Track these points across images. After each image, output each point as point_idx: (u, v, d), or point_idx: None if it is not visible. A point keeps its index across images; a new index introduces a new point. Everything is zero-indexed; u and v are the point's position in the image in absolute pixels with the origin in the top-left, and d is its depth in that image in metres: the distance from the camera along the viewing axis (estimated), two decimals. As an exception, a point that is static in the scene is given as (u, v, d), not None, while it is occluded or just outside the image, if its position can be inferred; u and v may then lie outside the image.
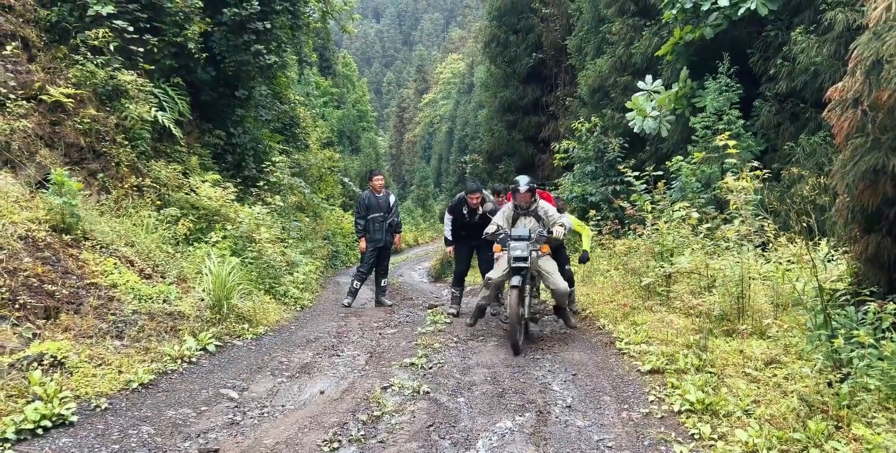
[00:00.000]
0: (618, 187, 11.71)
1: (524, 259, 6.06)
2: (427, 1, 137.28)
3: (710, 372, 4.70)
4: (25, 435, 3.56)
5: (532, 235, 6.30)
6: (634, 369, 5.23)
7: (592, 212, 10.55)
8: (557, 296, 6.54)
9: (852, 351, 4.00)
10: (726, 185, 6.91)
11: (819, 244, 6.11)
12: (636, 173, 9.63)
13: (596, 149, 12.65)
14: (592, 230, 10.07)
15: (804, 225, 6.14)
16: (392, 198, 9.57)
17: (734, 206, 6.63)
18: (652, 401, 4.46)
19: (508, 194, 9.36)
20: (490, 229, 6.57)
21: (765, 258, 6.70)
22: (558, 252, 7.40)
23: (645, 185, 9.38)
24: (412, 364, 5.55)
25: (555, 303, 6.88)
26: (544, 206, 6.66)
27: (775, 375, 4.44)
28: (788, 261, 6.25)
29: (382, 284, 9.52)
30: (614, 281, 8.16)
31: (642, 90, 11.61)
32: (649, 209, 8.31)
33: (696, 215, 7.44)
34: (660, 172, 9.64)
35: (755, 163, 7.52)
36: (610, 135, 13.01)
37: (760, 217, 6.80)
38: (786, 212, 7.66)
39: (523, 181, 6.53)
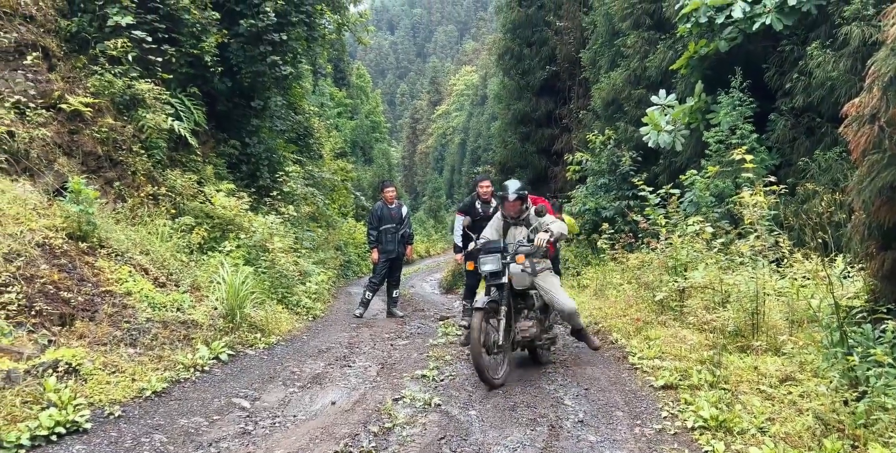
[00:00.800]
0: (631, 201, 11.68)
1: (497, 274, 5.49)
2: (441, 13, 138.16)
3: (724, 389, 4.66)
4: (40, 441, 3.59)
5: (510, 245, 5.69)
6: (647, 384, 5.19)
7: (606, 226, 10.52)
8: (564, 316, 5.88)
9: (869, 369, 3.95)
10: (741, 200, 6.88)
11: (835, 260, 6.06)
12: (650, 187, 9.61)
13: (609, 162, 12.63)
14: (605, 243, 10.05)
15: (819, 241, 6.09)
16: (404, 210, 9.60)
17: (749, 221, 6.60)
18: (665, 417, 4.42)
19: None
20: (472, 245, 5.97)
21: (780, 274, 6.65)
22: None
23: (658, 199, 9.34)
24: (423, 376, 5.54)
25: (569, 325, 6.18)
26: (538, 208, 5.99)
27: (790, 393, 4.39)
28: (804, 277, 6.19)
29: (394, 295, 9.53)
30: (627, 295, 8.12)
31: (656, 104, 11.60)
32: (663, 223, 8.28)
33: (710, 230, 7.41)
34: (674, 187, 9.61)
35: (770, 178, 7.48)
36: (623, 148, 13.00)
37: (775, 232, 6.76)
38: (801, 228, 7.60)
39: (512, 187, 5.82)
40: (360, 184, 27.89)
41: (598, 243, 10.31)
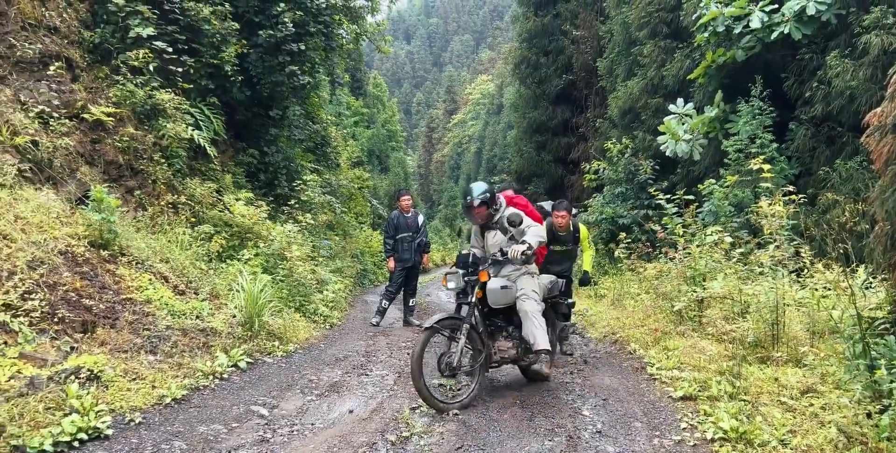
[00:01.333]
0: (648, 210, 11.64)
1: (462, 294, 5.18)
2: (457, 23, 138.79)
3: (744, 400, 4.62)
4: (62, 447, 3.63)
5: (479, 257, 5.30)
6: (666, 395, 5.16)
7: (623, 235, 10.48)
8: (523, 318, 5.24)
9: (892, 381, 3.90)
10: (760, 210, 6.83)
11: (856, 271, 5.99)
12: (667, 196, 9.57)
13: (626, 171, 12.61)
14: (623, 253, 9.99)
15: (841, 251, 6.03)
16: (420, 218, 9.62)
17: (768, 231, 6.55)
18: (684, 428, 4.38)
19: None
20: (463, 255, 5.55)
21: (800, 284, 6.58)
22: (566, 283, 6.68)
23: (676, 208, 9.31)
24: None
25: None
26: (508, 213, 5.30)
27: (812, 405, 4.34)
28: (825, 287, 6.13)
29: (410, 304, 9.55)
30: (645, 305, 8.08)
31: (674, 113, 11.57)
32: (681, 233, 8.23)
33: (729, 239, 7.36)
34: (691, 196, 9.56)
35: (790, 188, 7.43)
36: (641, 157, 12.96)
37: (795, 242, 6.70)
38: (822, 238, 7.53)
39: (476, 191, 5.28)
40: (376, 193, 28.00)
41: (616, 253, 10.26)
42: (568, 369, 6.30)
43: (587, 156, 18.58)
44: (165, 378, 4.94)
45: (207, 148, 9.17)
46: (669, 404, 4.96)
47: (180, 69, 9.08)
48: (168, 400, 4.64)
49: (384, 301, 9.34)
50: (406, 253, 9.28)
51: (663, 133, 11.53)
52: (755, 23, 9.46)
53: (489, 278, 5.10)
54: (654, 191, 10.20)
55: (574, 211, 7.33)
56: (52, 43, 8.01)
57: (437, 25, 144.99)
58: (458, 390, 5.22)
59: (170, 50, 8.82)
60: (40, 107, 7.21)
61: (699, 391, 4.98)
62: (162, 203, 8.06)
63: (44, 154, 6.88)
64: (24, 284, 4.88)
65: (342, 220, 16.70)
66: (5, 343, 4.41)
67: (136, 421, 4.18)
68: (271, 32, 10.97)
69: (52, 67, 7.68)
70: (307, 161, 15.37)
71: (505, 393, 5.40)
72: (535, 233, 5.13)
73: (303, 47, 11.52)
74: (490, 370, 5.50)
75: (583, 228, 7.27)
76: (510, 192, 8.07)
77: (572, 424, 4.57)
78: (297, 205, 12.26)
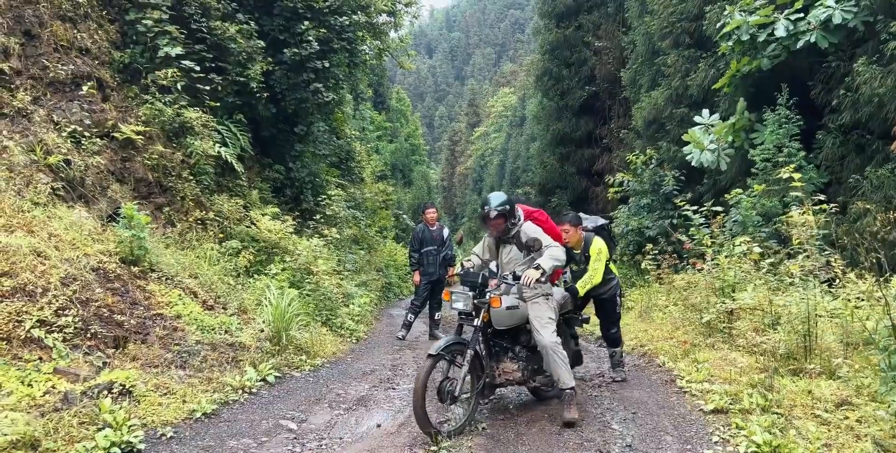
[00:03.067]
0: (675, 221, 11.53)
1: (468, 316, 4.77)
2: (479, 36, 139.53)
3: (777, 413, 4.54)
4: (96, 461, 3.68)
5: (489, 278, 4.90)
6: (697, 408, 5.08)
7: (649, 246, 10.39)
8: (544, 354, 4.87)
9: (931, 394, 3.81)
10: (789, 219, 6.75)
11: (890, 280, 5.87)
12: (694, 207, 9.49)
13: (652, 181, 12.53)
14: (650, 264, 9.89)
15: (873, 260, 5.92)
16: (445, 232, 9.64)
17: (798, 241, 6.45)
18: (716, 442, 4.31)
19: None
20: (457, 267, 5.21)
21: (832, 295, 6.47)
22: (605, 308, 6.34)
23: (703, 219, 9.22)
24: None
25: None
26: (529, 231, 4.96)
27: (847, 418, 4.25)
28: (857, 298, 6.01)
29: (436, 318, 9.54)
30: (673, 316, 7.99)
31: (699, 124, 11.49)
32: (709, 243, 8.15)
33: (758, 250, 7.26)
34: (718, 206, 9.47)
35: (820, 197, 7.32)
36: (666, 167, 12.87)
37: (827, 252, 6.59)
38: (854, 247, 7.40)
39: (494, 201, 4.91)
40: (400, 206, 28.11)
41: (643, 264, 10.17)
42: (596, 382, 6.24)
43: (611, 168, 18.49)
44: (196, 392, 4.99)
45: (234, 164, 9.31)
46: (700, 417, 4.88)
47: (208, 87, 9.25)
48: (198, 414, 4.69)
49: (410, 314, 9.35)
50: (431, 266, 9.29)
51: (688, 143, 11.45)
52: (780, 31, 9.38)
53: (501, 305, 4.71)
54: (680, 201, 10.12)
55: (595, 223, 6.41)
56: (84, 64, 8.21)
57: (459, 39, 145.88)
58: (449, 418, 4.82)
59: (197, 68, 8.99)
60: (72, 126, 7.39)
61: (730, 404, 4.90)
62: (190, 219, 8.19)
63: (76, 172, 7.03)
64: (57, 300, 4.98)
65: (367, 234, 16.79)
66: (40, 358, 4.50)
67: (168, 436, 4.23)
68: (296, 50, 11.15)
69: (83, 87, 7.87)
70: (332, 176, 15.52)
71: (533, 407, 5.36)
72: (551, 255, 4.68)
73: (327, 64, 11.68)
74: (495, 392, 5.20)
75: (595, 247, 6.10)
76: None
77: (601, 438, 4.52)
78: (322, 220, 12.37)
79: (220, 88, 9.57)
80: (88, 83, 7.97)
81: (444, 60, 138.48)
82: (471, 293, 4.71)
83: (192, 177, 8.54)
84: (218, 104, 9.53)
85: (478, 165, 62.52)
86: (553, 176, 22.30)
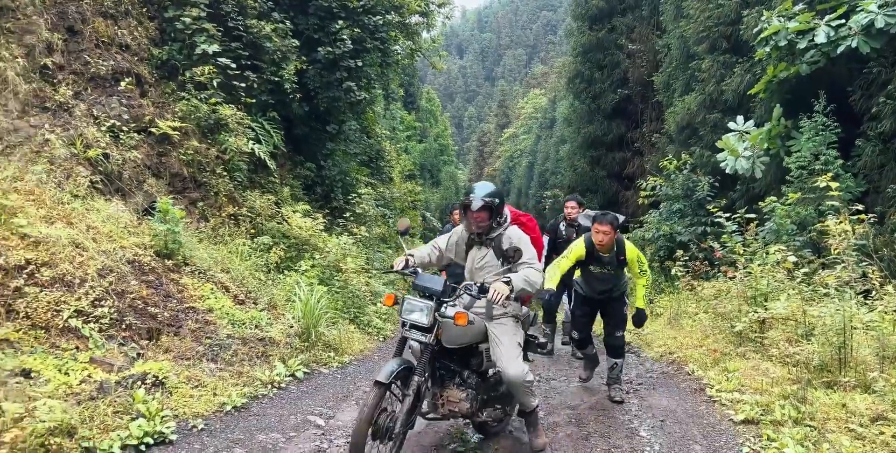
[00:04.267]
0: (707, 227, 11.39)
1: (425, 330, 3.78)
2: (510, 37, 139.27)
3: (810, 426, 4.46)
4: (130, 450, 3.76)
5: (450, 288, 3.90)
6: (726, 418, 5.01)
7: (680, 252, 10.28)
8: (511, 387, 4.12)
9: (973, 411, 3.71)
10: (826, 229, 6.62)
11: (930, 293, 5.74)
12: (727, 214, 9.37)
13: (684, 187, 12.38)
14: (680, 271, 9.78)
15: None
16: (474, 232, 9.62)
17: (835, 251, 6.33)
18: (746, 453, 4.26)
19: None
20: (399, 260, 4.13)
21: (868, 307, 6.33)
22: (611, 308, 5.85)
23: (736, 226, 9.09)
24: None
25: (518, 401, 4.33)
26: (513, 237, 4.10)
27: (882, 433, 4.17)
28: (895, 310, 5.89)
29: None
30: (703, 324, 7.89)
31: (733, 130, 11.34)
32: (741, 251, 8.03)
33: (792, 259, 7.14)
34: (751, 214, 9.33)
35: (857, 207, 7.18)
36: (699, 173, 12.72)
37: (864, 263, 6.46)
38: (891, 259, 7.24)
39: (481, 190, 4.06)
40: (427, 206, 28.16)
41: (673, 270, 10.06)
42: (624, 388, 6.18)
43: (643, 172, 18.33)
44: (226, 386, 5.06)
45: (267, 161, 9.41)
46: (730, 427, 4.82)
47: (243, 85, 9.37)
48: (229, 407, 4.75)
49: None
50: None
51: (722, 149, 11.30)
52: (820, 37, 9.21)
53: (468, 323, 3.78)
54: (713, 208, 9.99)
55: (620, 219, 5.66)
56: (124, 59, 8.37)
57: (490, 40, 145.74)
58: None
59: (233, 66, 9.10)
60: (112, 121, 7.53)
61: (762, 415, 4.83)
62: (223, 214, 8.29)
63: (114, 166, 7.17)
64: (94, 291, 5.08)
65: (395, 233, 16.85)
66: (76, 348, 4.59)
67: (199, 428, 4.29)
68: (329, 49, 11.23)
69: (122, 83, 8.02)
70: (362, 174, 15.61)
71: (559, 412, 5.34)
72: (527, 277, 3.86)
73: (360, 63, 11.75)
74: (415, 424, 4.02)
75: (631, 249, 5.62)
76: (573, 203, 8.06)
77: (629, 445, 4.49)
78: (351, 218, 12.45)
79: (254, 86, 9.68)
80: (127, 79, 8.12)
81: (475, 61, 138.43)
82: (431, 303, 3.74)
83: (225, 173, 8.65)
84: (252, 101, 9.64)
85: (506, 167, 62.40)
86: (583, 179, 22.16)
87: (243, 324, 6.17)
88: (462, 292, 3.89)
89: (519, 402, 4.30)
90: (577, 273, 5.98)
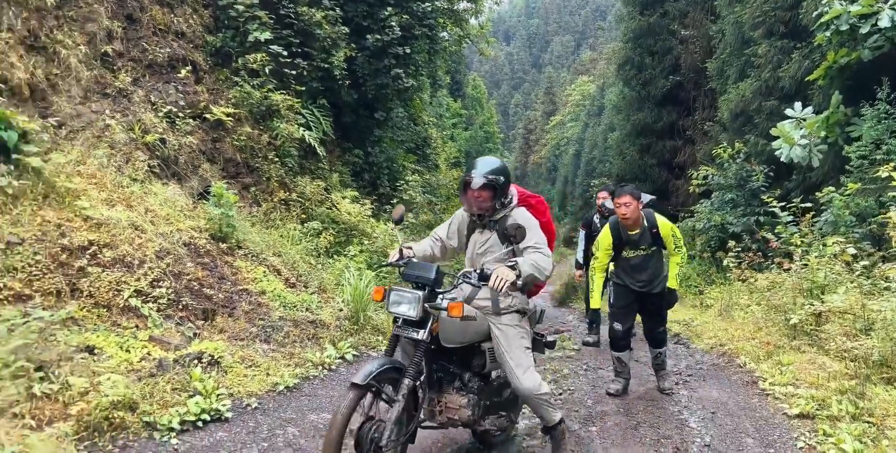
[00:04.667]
0: (761, 218, 11.10)
1: (416, 325, 3.29)
2: (558, 23, 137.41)
3: (869, 422, 4.33)
4: (188, 426, 3.89)
5: (446, 276, 3.49)
6: (780, 412, 4.91)
7: (732, 243, 10.06)
8: (527, 403, 3.75)
9: None
10: (888, 220, 6.40)
11: None
12: (782, 204, 9.12)
13: (738, 176, 12.08)
14: (732, 262, 9.57)
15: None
16: (520, 221, 9.58)
17: (898, 243, 6.11)
18: (801, 448, 4.17)
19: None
20: (394, 253, 3.66)
21: (932, 301, 6.10)
22: (651, 304, 5.47)
23: (791, 217, 8.84)
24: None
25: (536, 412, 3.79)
26: (519, 219, 3.58)
27: (946, 431, 4.03)
28: (961, 305, 5.66)
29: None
30: (755, 316, 7.72)
31: (790, 117, 10.99)
32: (798, 242, 7.82)
33: (851, 251, 6.91)
34: (808, 204, 9.06)
35: (923, 197, 6.91)
36: (753, 162, 12.39)
37: (930, 256, 6.22)
38: (958, 252, 6.95)
39: (483, 166, 3.60)
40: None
41: (724, 261, 9.86)
42: (673, 379, 6.10)
43: (694, 161, 17.95)
44: (278, 366, 5.17)
45: (317, 147, 9.53)
46: (784, 421, 4.72)
47: (294, 72, 9.48)
48: (281, 387, 4.86)
49: (482, 302, 9.37)
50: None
51: (777, 137, 10.97)
52: (884, 21, 8.83)
53: (463, 314, 3.27)
54: (768, 198, 9.74)
55: (646, 199, 5.38)
56: (180, 47, 8.55)
57: (538, 26, 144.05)
58: None
59: (285, 53, 9.21)
60: (168, 107, 7.72)
61: (817, 409, 4.71)
62: (275, 199, 8.44)
63: (171, 151, 7.36)
64: (153, 272, 5.24)
65: (441, 221, 16.91)
66: (136, 326, 4.75)
67: (253, 406, 4.41)
68: (378, 36, 11.27)
69: (179, 70, 8.20)
70: (409, 161, 15.68)
71: (608, 401, 5.30)
72: (534, 261, 3.34)
73: (408, 50, 11.77)
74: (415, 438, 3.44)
75: (664, 222, 5.28)
76: (605, 194, 7.92)
77: (679, 436, 4.44)
78: (398, 204, 12.53)
79: (305, 73, 9.79)
80: (184, 66, 8.30)
81: (522, 48, 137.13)
82: (420, 293, 3.24)
83: (277, 159, 8.80)
84: (303, 89, 9.75)
85: (552, 154, 61.86)
86: (632, 167, 21.81)
87: (294, 306, 6.29)
88: (460, 280, 3.40)
89: (539, 418, 3.81)
90: (611, 266, 5.65)
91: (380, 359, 3.22)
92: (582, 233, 8.22)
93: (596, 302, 5.59)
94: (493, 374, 3.87)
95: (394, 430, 3.03)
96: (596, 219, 7.91)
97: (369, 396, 3.10)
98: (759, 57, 13.21)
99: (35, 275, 4.42)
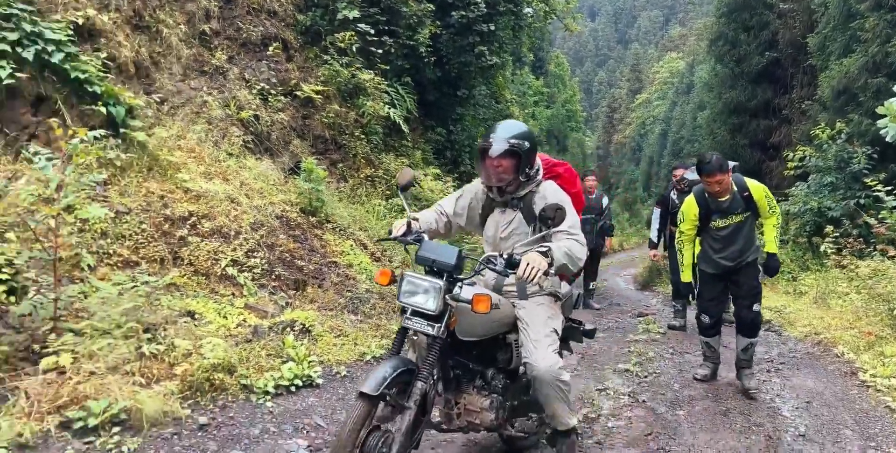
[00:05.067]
0: (862, 200, 10.48)
1: (432, 318, 2.74)
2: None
3: (981, 420, 4.07)
4: (282, 390, 4.07)
5: (462, 257, 2.85)
6: (882, 405, 4.67)
7: (830, 228, 9.55)
8: (538, 388, 3.05)
9: None
10: None
11: None
12: (888, 188, 8.58)
13: (838, 158, 11.41)
14: (829, 247, 9.11)
15: None
16: (605, 200, 9.38)
17: None
18: (905, 443, 3.96)
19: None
20: (399, 225, 3.05)
21: None
22: (743, 276, 4.93)
23: (898, 201, 8.32)
24: (626, 370, 5.44)
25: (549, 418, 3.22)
26: (550, 196, 3.13)
27: None
28: None
29: (591, 287, 9.39)
30: (855, 305, 7.33)
31: (900, 94, 10.27)
32: (906, 228, 7.36)
33: (967, 238, 6.45)
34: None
35: None
36: (855, 143, 11.67)
37: None
38: None
39: (505, 130, 3.11)
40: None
41: (821, 247, 9.39)
42: (764, 367, 5.88)
43: (789, 141, 17.08)
44: (365, 337, 5.31)
45: (401, 125, 9.61)
46: (886, 414, 4.49)
47: (380, 50, 9.55)
48: (368, 357, 5.00)
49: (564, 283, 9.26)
50: (588, 235, 9.05)
51: (883, 116, 10.27)
52: None
53: (490, 309, 2.78)
54: (872, 181, 9.19)
55: (731, 165, 4.96)
56: (272, 25, 8.76)
57: (625, 2, 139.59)
58: None
59: (371, 31, 9.28)
60: (261, 84, 7.95)
61: (924, 404, 4.46)
62: (361, 176, 8.60)
63: (263, 127, 7.59)
64: (247, 243, 5.46)
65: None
66: (233, 294, 4.97)
67: (342, 374, 4.55)
68: (463, 13, 11.20)
69: (270, 48, 8.41)
70: (490, 140, 15.60)
71: (695, 386, 5.18)
72: (569, 249, 2.89)
73: (492, 27, 11.64)
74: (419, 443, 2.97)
75: (754, 184, 4.91)
76: (682, 170, 7.45)
77: (771, 424, 4.29)
78: (479, 183, 12.51)
79: (391, 51, 9.85)
80: (275, 44, 8.51)
81: (607, 24, 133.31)
82: (440, 283, 2.72)
83: (363, 136, 8.94)
84: (388, 67, 9.82)
85: (637, 134, 60.22)
86: (722, 147, 20.91)
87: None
88: (482, 267, 2.87)
89: (548, 414, 3.16)
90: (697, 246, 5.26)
91: (391, 362, 2.68)
92: (657, 212, 7.82)
93: (686, 275, 5.27)
94: (522, 370, 3.29)
95: (397, 446, 2.55)
96: (673, 195, 7.51)
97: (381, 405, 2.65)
98: (865, 31, 12.39)
99: (141, 243, 4.68)
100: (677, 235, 5.28)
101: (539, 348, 2.98)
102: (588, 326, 3.75)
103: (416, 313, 2.76)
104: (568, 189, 3.30)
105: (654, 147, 49.62)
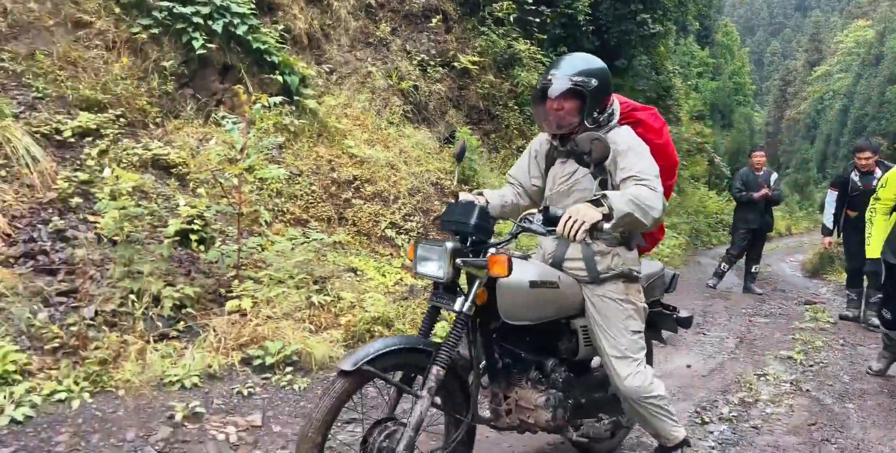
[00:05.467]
0: None
1: (446, 289, 2.28)
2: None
3: None
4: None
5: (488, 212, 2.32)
6: None
7: None
8: (630, 407, 2.60)
9: None
10: None
11: None
12: None
13: None
14: None
15: None
16: (773, 178, 8.68)
17: None
18: None
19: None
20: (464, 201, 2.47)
21: None
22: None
23: None
24: (789, 357, 5.10)
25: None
26: (620, 142, 2.40)
27: None
28: None
29: (753, 271, 8.79)
30: None
31: None
32: None
33: None
34: None
35: None
36: None
37: None
38: None
39: (569, 65, 2.48)
40: (717, 150, 26.22)
41: None
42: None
43: None
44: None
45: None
46: None
47: (537, 19, 9.43)
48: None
49: (724, 264, 8.78)
50: (751, 213, 8.50)
51: None
52: None
53: (509, 272, 2.13)
54: None
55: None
56: (434, -3, 8.90)
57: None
58: None
59: (529, 1, 9.17)
60: (421, 56, 8.16)
61: None
62: (512, 147, 8.62)
63: (422, 97, 7.79)
64: (405, 207, 5.69)
65: (680, 176, 16.06)
66: (391, 254, 5.21)
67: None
68: (627, -21, 10.76)
69: (434, 21, 8.57)
70: (649, 113, 14.99)
71: (868, 379, 4.74)
72: (637, 194, 2.19)
73: (657, -7, 11.12)
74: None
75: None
76: (867, 153, 6.70)
77: (959, 426, 3.86)
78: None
79: (548, 21, 9.69)
80: (436, 16, 8.66)
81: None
82: (450, 245, 2.20)
83: (516, 107, 8.92)
84: (545, 37, 9.67)
85: (813, 110, 55.30)
86: (914, 124, 18.79)
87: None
88: (519, 229, 2.37)
89: (651, 434, 2.74)
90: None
91: (390, 339, 2.26)
92: (833, 195, 7.02)
93: (874, 250, 4.63)
94: (595, 363, 2.81)
95: (412, 437, 2.10)
96: (854, 176, 6.76)
97: (394, 392, 2.26)
98: None
99: (311, 203, 5.02)
100: (871, 203, 4.81)
101: (619, 366, 2.48)
102: (683, 313, 3.17)
103: (442, 286, 2.27)
104: (651, 138, 2.58)
105: (832, 124, 45.35)
